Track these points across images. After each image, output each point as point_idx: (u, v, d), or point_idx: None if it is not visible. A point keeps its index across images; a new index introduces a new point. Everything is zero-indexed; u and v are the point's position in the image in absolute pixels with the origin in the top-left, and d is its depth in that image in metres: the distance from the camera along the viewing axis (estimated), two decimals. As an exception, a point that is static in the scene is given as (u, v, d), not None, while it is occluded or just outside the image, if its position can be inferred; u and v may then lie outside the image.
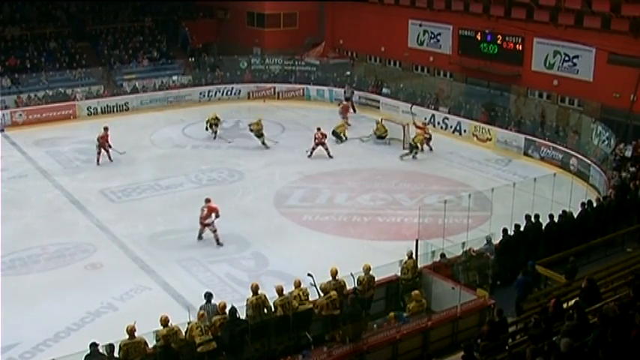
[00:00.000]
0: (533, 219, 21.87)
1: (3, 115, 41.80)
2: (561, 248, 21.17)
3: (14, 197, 30.58)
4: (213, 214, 26.01)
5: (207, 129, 39.75)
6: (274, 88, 49.16)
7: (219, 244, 25.96)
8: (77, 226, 27.85)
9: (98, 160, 34.50)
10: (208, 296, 17.31)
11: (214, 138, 39.29)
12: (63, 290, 22.39)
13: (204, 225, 26.18)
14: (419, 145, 35.71)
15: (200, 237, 26.34)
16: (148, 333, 15.70)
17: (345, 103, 43.26)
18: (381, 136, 38.00)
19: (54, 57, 48.40)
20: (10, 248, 25.27)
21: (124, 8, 54.74)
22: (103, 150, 34.57)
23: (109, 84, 47.13)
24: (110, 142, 34.83)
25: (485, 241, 20.90)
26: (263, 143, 37.44)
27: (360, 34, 50.26)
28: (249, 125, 38.27)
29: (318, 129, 36.09)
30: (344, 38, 52.16)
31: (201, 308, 17.10)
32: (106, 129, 34.91)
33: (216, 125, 39.68)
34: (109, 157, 34.81)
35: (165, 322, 15.81)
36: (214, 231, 26.04)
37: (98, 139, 34.61)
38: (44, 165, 34.85)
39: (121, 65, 49.35)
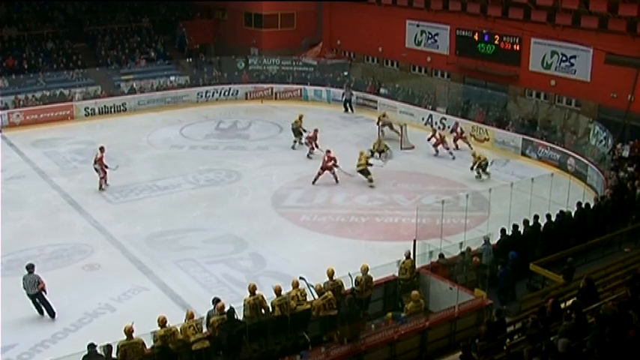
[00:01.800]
0: (531, 221, 21.87)
1: (0, 116, 41.78)
2: (559, 248, 21.19)
3: (12, 198, 30.56)
4: (332, 162, 31.83)
5: (298, 134, 37.73)
6: (272, 89, 49.12)
7: (337, 181, 31.81)
8: (75, 226, 27.84)
9: (101, 186, 31.35)
10: (216, 302, 17.22)
11: (293, 147, 37.67)
12: (60, 291, 22.28)
13: (325, 169, 31.77)
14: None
15: (314, 182, 31.81)
16: (146, 334, 15.72)
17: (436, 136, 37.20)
18: (380, 150, 35.42)
19: (51, 58, 48.39)
20: (8, 249, 25.23)
21: (122, 9, 54.70)
22: (103, 172, 31.34)
23: (107, 85, 47.08)
24: (105, 161, 31.57)
25: (483, 242, 20.90)
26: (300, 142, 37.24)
27: (357, 34, 50.25)
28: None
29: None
30: (342, 39, 52.17)
31: (209, 313, 17.05)
32: (102, 149, 31.71)
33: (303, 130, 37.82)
34: (105, 181, 31.43)
35: (162, 322, 15.82)
36: (334, 172, 31.79)
37: (96, 161, 31.30)
38: (42, 166, 34.82)
39: (118, 66, 49.32)
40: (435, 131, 36.95)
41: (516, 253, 20.18)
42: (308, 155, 35.58)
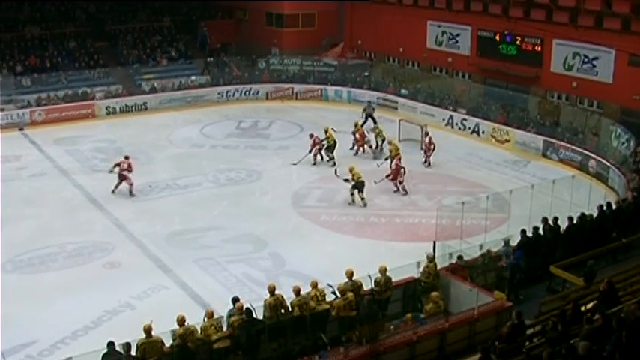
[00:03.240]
0: (551, 222, 21.74)
1: (23, 114, 42.08)
2: (580, 251, 21.07)
3: (33, 195, 30.81)
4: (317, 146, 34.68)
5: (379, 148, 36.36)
6: (292, 89, 49.18)
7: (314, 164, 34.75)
8: (95, 224, 27.98)
9: (131, 191, 30.78)
10: (235, 301, 17.23)
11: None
12: (81, 288, 22.51)
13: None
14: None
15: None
16: (165, 332, 15.75)
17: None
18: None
19: (73, 56, 48.63)
20: (29, 246, 25.47)
21: (143, 8, 54.94)
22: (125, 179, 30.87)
23: (128, 84, 47.28)
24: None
25: (502, 243, 20.81)
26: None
27: (378, 34, 50.20)
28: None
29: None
30: (363, 39, 52.14)
31: (229, 312, 17.07)
32: (127, 158, 31.19)
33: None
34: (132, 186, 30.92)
35: (182, 321, 15.83)
36: (320, 153, 34.76)
37: (120, 167, 30.76)
38: (63, 164, 35.02)
39: (139, 65, 49.52)
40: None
41: (521, 253, 20.11)
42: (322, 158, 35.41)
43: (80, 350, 16.03)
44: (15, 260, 24.56)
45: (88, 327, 20.33)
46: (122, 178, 30.85)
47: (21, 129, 41.16)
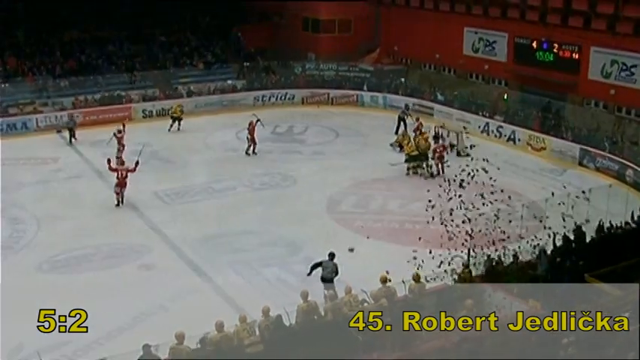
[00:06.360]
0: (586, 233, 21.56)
1: (61, 116, 42.46)
2: (614, 260, 20.85)
3: (70, 197, 31.11)
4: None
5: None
6: (328, 94, 49.23)
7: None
8: (131, 227, 28.18)
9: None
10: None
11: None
12: (115, 290, 22.66)
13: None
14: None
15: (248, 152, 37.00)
16: (199, 335, 15.79)
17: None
18: (412, 156, 34.50)
19: (111, 60, 49.03)
20: (65, 247, 25.74)
21: (181, 12, 55.13)
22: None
23: (165, 87, 47.57)
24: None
25: (538, 252, 20.68)
26: None
27: (414, 40, 50.03)
28: None
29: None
30: (399, 45, 52.00)
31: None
32: (119, 131, 35.93)
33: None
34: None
35: (220, 327, 15.85)
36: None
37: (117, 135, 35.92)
38: (100, 166, 35.21)
39: (176, 69, 49.82)
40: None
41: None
42: (247, 152, 37.22)
43: (114, 351, 16.16)
44: (51, 261, 24.85)
45: (122, 328, 20.49)
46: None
47: (58, 131, 41.53)
